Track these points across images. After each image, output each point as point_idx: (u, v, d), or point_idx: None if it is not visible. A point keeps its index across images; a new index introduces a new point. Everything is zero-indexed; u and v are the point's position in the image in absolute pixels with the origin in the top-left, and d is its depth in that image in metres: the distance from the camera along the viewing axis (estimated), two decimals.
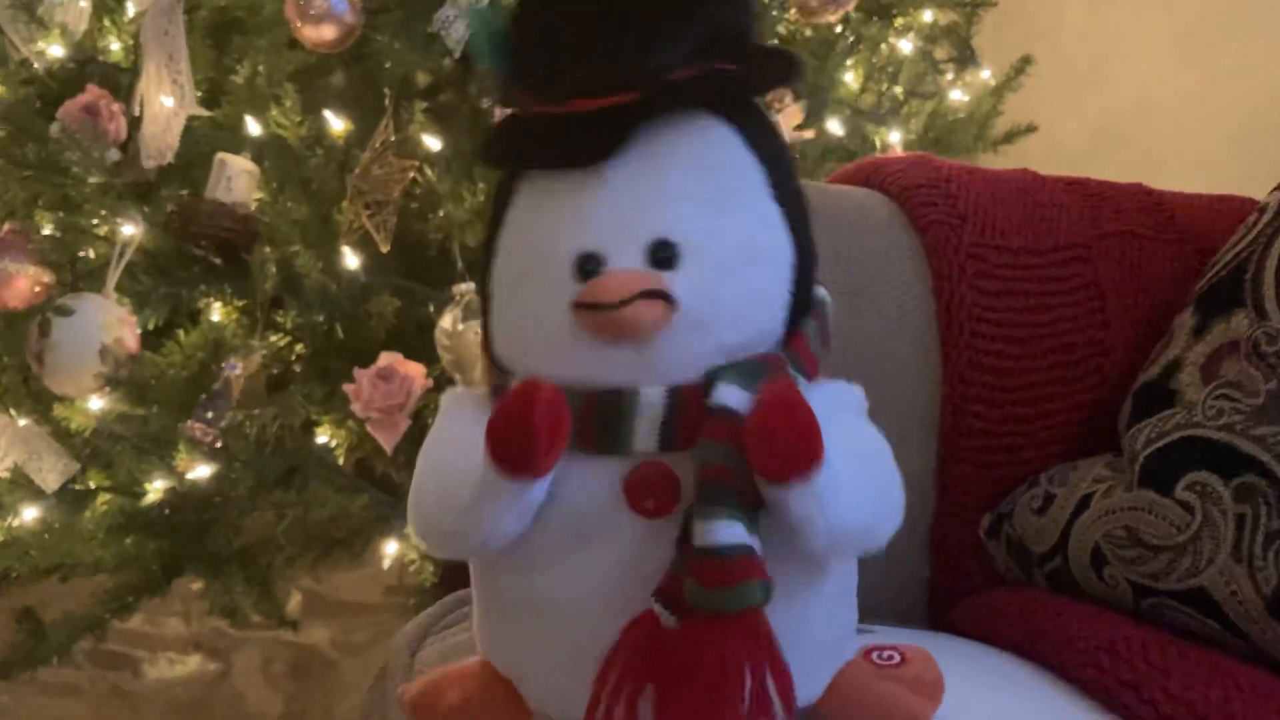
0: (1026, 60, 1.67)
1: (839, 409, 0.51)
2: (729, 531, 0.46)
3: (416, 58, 1.29)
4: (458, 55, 1.29)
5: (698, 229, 0.50)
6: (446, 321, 1.23)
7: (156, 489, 1.25)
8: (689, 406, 0.49)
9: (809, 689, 0.54)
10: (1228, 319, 0.71)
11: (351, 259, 1.27)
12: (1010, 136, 1.71)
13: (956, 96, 1.63)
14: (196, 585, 1.43)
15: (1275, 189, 0.76)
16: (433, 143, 1.27)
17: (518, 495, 0.48)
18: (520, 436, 0.46)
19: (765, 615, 0.47)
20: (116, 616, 1.33)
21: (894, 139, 1.50)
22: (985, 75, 1.66)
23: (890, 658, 0.56)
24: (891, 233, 0.81)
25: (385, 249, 1.26)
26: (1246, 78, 1.64)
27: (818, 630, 0.52)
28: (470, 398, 0.55)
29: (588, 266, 0.49)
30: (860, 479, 0.49)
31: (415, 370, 1.23)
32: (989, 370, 0.77)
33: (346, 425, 1.26)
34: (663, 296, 0.48)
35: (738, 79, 0.51)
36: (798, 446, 0.45)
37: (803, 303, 0.52)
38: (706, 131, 0.51)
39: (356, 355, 1.25)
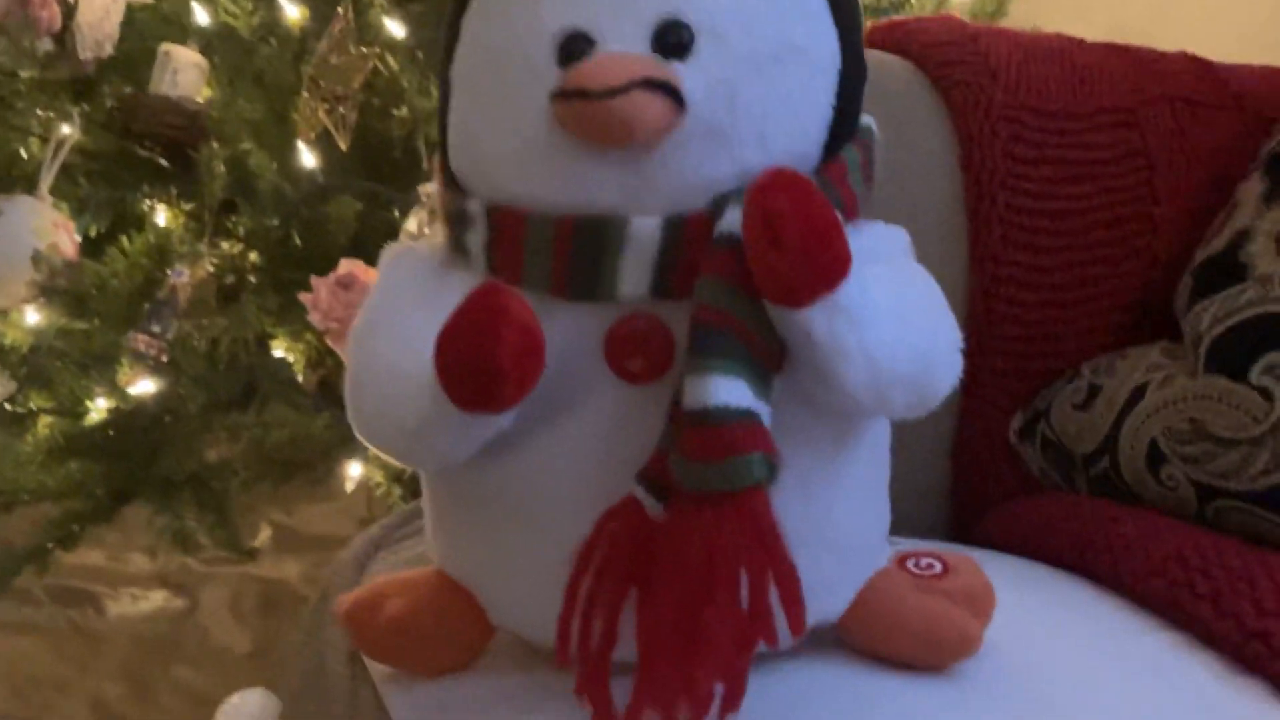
0: None
1: (885, 250, 0.41)
2: (727, 390, 0.36)
3: None
4: None
5: (717, 8, 0.39)
6: (412, 225, 1.14)
7: (100, 409, 1.16)
8: (691, 242, 0.39)
9: (830, 602, 0.44)
10: None
11: (308, 158, 1.18)
12: None
13: None
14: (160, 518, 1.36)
15: None
16: (396, 29, 1.17)
17: (476, 425, 0.39)
18: (481, 371, 0.36)
19: (769, 499, 0.37)
20: (62, 547, 1.24)
21: None
22: None
23: (930, 566, 0.47)
24: (912, 95, 0.72)
25: (345, 147, 1.18)
26: None
27: (843, 529, 0.43)
28: (415, 255, 0.45)
29: (575, 48, 0.39)
30: (905, 306, 0.40)
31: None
32: (1024, 248, 0.68)
33: (305, 339, 1.17)
34: (668, 91, 0.38)
35: None
36: (815, 242, 0.35)
37: (846, 123, 0.42)
38: None
39: (315, 263, 1.16)
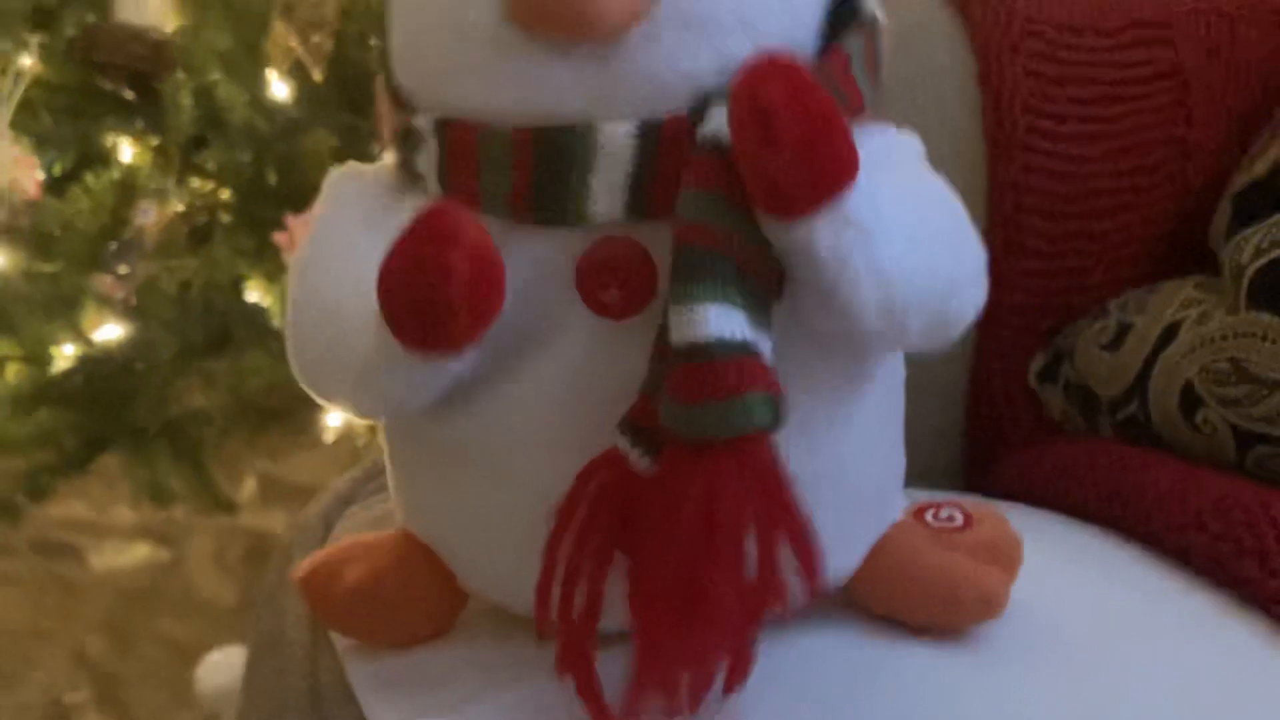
0: None
1: (896, 157, 0.36)
2: (720, 320, 0.31)
3: None
4: None
5: None
6: (391, 159, 1.09)
7: (66, 355, 1.12)
8: (670, 150, 0.34)
9: (841, 559, 0.39)
10: None
11: (281, 89, 1.13)
12: None
13: None
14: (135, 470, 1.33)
15: None
16: None
17: (428, 371, 0.34)
18: (429, 309, 0.32)
19: (774, 445, 0.32)
20: (33, 500, 1.20)
21: None
22: None
23: (950, 518, 0.42)
24: (924, 8, 0.66)
25: (319, 78, 1.12)
26: None
27: (852, 476, 0.38)
28: (360, 177, 0.40)
29: None
30: (922, 218, 0.35)
31: None
32: (1048, 175, 0.63)
33: (281, 281, 1.12)
34: None
35: None
36: (815, 141, 0.30)
37: (846, 6, 0.36)
38: None
39: (290, 201, 1.12)
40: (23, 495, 1.19)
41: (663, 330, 0.33)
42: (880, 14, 0.38)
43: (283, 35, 1.13)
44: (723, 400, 0.30)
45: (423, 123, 0.36)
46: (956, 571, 0.40)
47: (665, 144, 0.34)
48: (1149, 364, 0.59)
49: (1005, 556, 0.41)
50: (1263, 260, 0.56)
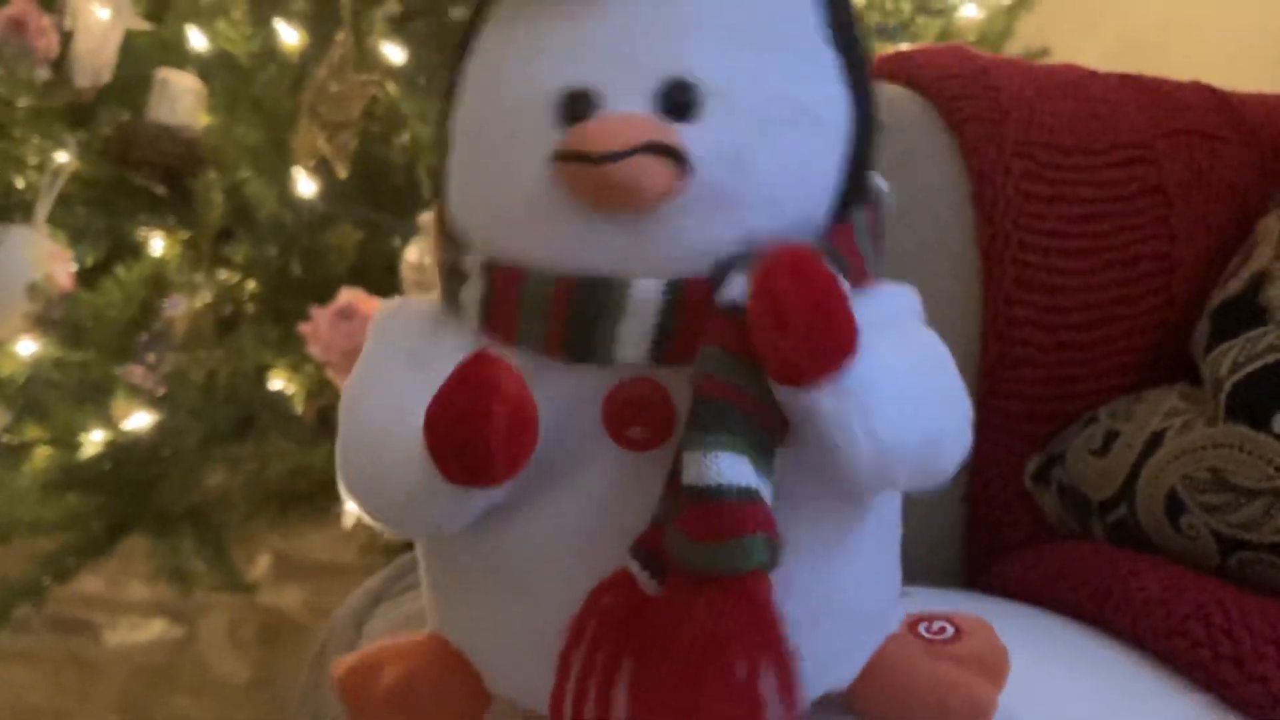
0: None
1: (893, 317, 0.40)
2: (730, 467, 0.35)
3: None
4: None
5: (726, 69, 0.38)
6: (413, 254, 1.13)
7: (95, 441, 1.15)
8: (693, 307, 0.37)
9: (840, 671, 0.43)
10: None
11: (308, 186, 1.17)
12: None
13: (968, 14, 1.52)
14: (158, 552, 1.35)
15: None
16: (395, 55, 1.16)
17: (471, 498, 0.38)
18: (472, 447, 0.35)
19: (769, 583, 0.35)
20: (58, 581, 1.23)
21: None
22: None
23: (942, 630, 0.45)
24: (922, 130, 0.70)
25: (344, 175, 1.17)
26: None
27: (852, 598, 0.41)
28: (406, 315, 0.44)
29: (577, 108, 0.38)
30: (914, 383, 0.38)
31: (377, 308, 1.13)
32: (1039, 289, 0.66)
33: (304, 370, 1.16)
34: (673, 155, 0.37)
35: None
36: (820, 324, 0.34)
37: (856, 185, 0.40)
38: None
39: (314, 292, 1.15)
40: (47, 577, 1.21)
41: (676, 466, 0.36)
42: (884, 185, 0.42)
43: (309, 134, 1.17)
44: (726, 541, 0.34)
45: (471, 262, 0.40)
46: (947, 682, 0.43)
47: (688, 301, 0.37)
48: (1136, 470, 0.62)
49: (993, 667, 0.44)
50: (1239, 375, 0.59)
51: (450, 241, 0.41)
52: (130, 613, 1.69)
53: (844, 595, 0.40)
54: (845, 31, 0.40)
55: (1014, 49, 1.61)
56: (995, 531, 0.69)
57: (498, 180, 0.39)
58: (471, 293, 0.40)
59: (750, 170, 0.38)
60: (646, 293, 0.37)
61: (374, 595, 0.59)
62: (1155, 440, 0.62)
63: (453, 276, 0.41)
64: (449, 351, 0.38)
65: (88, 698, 1.53)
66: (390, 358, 0.42)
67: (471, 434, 0.35)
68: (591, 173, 0.36)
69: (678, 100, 0.37)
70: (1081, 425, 0.67)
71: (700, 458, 0.35)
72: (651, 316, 0.37)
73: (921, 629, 0.45)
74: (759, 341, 0.35)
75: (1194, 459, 0.59)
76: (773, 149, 0.38)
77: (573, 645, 0.37)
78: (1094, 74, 0.75)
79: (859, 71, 0.40)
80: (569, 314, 0.38)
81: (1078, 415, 0.67)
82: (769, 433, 0.36)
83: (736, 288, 0.36)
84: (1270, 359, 0.58)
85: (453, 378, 0.35)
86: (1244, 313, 0.62)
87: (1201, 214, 0.69)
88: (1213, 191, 0.69)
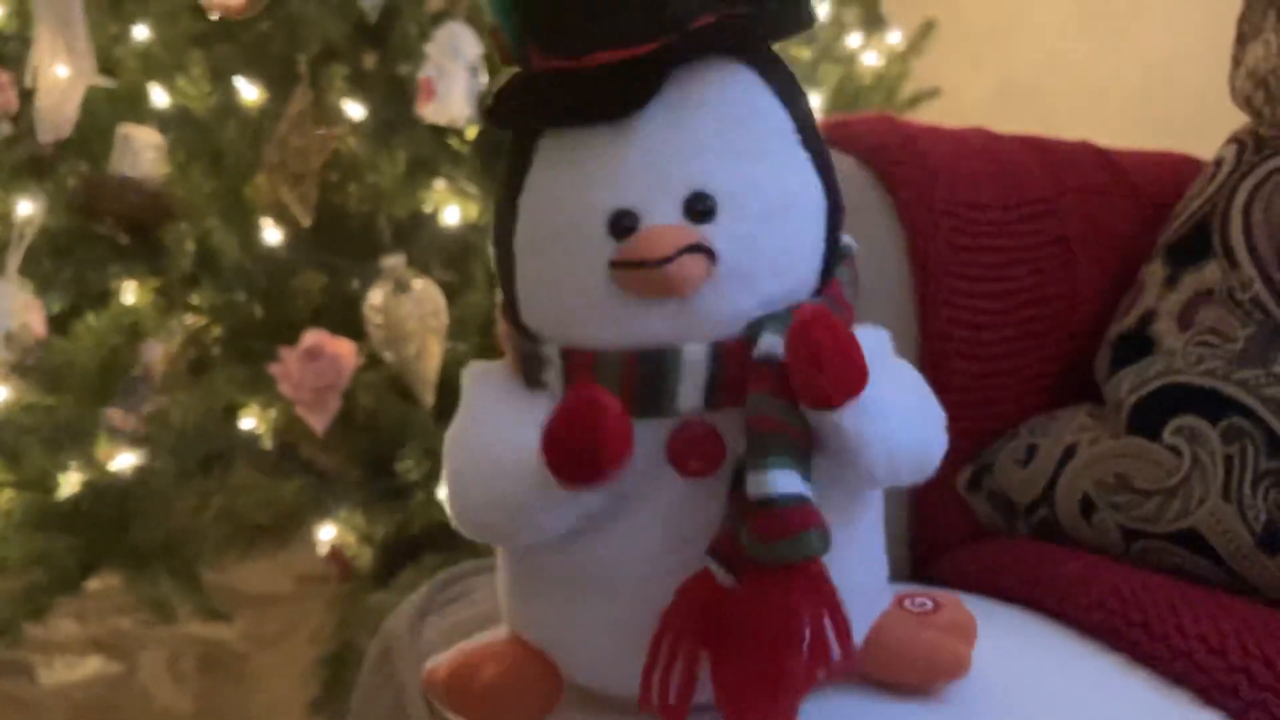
0: (931, 24, 1.70)
1: (878, 351, 0.51)
2: (786, 480, 0.45)
3: (331, 23, 1.25)
4: (374, 20, 1.25)
5: (733, 179, 0.49)
6: (377, 297, 1.20)
7: (72, 482, 1.19)
8: (732, 362, 0.48)
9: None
10: (1199, 269, 0.73)
11: (273, 234, 1.23)
12: (916, 99, 1.73)
13: (868, 60, 1.65)
14: (93, 584, 1.36)
15: (1228, 141, 0.79)
16: (354, 110, 1.23)
17: (577, 500, 0.47)
18: (585, 453, 0.45)
19: (824, 565, 0.46)
20: (31, 619, 1.26)
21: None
22: (894, 39, 1.68)
23: (924, 605, 0.56)
24: (861, 192, 0.80)
25: (307, 223, 1.22)
26: (1141, 36, 1.69)
27: (859, 579, 0.52)
28: (495, 373, 0.53)
29: (623, 223, 0.48)
30: (906, 398, 0.50)
31: (345, 348, 1.20)
32: (966, 326, 0.77)
33: (273, 408, 1.21)
34: (704, 251, 0.47)
35: (761, 23, 0.50)
36: (844, 362, 0.45)
37: (835, 249, 0.52)
38: (733, 78, 0.50)
39: (278, 334, 1.21)
40: (23, 615, 1.24)
41: (734, 483, 0.47)
42: (855, 243, 0.53)
43: (272, 184, 1.22)
44: (791, 537, 0.45)
45: (549, 350, 0.50)
46: (936, 646, 0.54)
47: (729, 358, 0.48)
48: (1055, 477, 0.74)
49: (967, 631, 0.55)
50: (1136, 396, 0.71)
51: (525, 335, 0.51)
52: (64, 651, 1.67)
53: (853, 578, 0.50)
54: (810, 132, 0.51)
55: (909, 89, 1.74)
56: (935, 532, 0.79)
57: (566, 285, 0.49)
58: (552, 374, 0.50)
59: (761, 252, 0.49)
60: (695, 356, 0.48)
61: (420, 610, 0.67)
62: (1070, 452, 0.74)
63: (532, 362, 0.51)
64: (541, 402, 0.49)
65: None
66: (490, 404, 0.52)
67: (585, 442, 0.44)
68: (649, 274, 0.47)
69: (700, 207, 0.48)
70: (1006, 439, 0.78)
71: (762, 476, 0.45)
72: (701, 373, 0.48)
73: (907, 604, 0.56)
74: (797, 378, 0.45)
75: (1102, 467, 0.71)
76: (774, 233, 0.49)
77: (664, 631, 0.47)
78: (1001, 137, 0.87)
79: (823, 160, 0.51)
80: (636, 380, 0.48)
81: (1002, 431, 0.79)
82: (807, 450, 0.47)
83: (768, 346, 0.47)
84: (1160, 383, 0.71)
85: (567, 401, 0.45)
86: (1137, 344, 0.74)
87: (1097, 259, 0.81)
88: (1105, 240, 0.81)
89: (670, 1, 0.48)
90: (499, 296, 0.53)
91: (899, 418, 0.48)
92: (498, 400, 0.51)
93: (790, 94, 0.51)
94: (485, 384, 0.53)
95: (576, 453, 0.45)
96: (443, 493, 0.52)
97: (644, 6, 0.48)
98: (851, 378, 0.45)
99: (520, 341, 0.51)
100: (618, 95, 0.48)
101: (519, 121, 0.52)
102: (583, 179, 0.49)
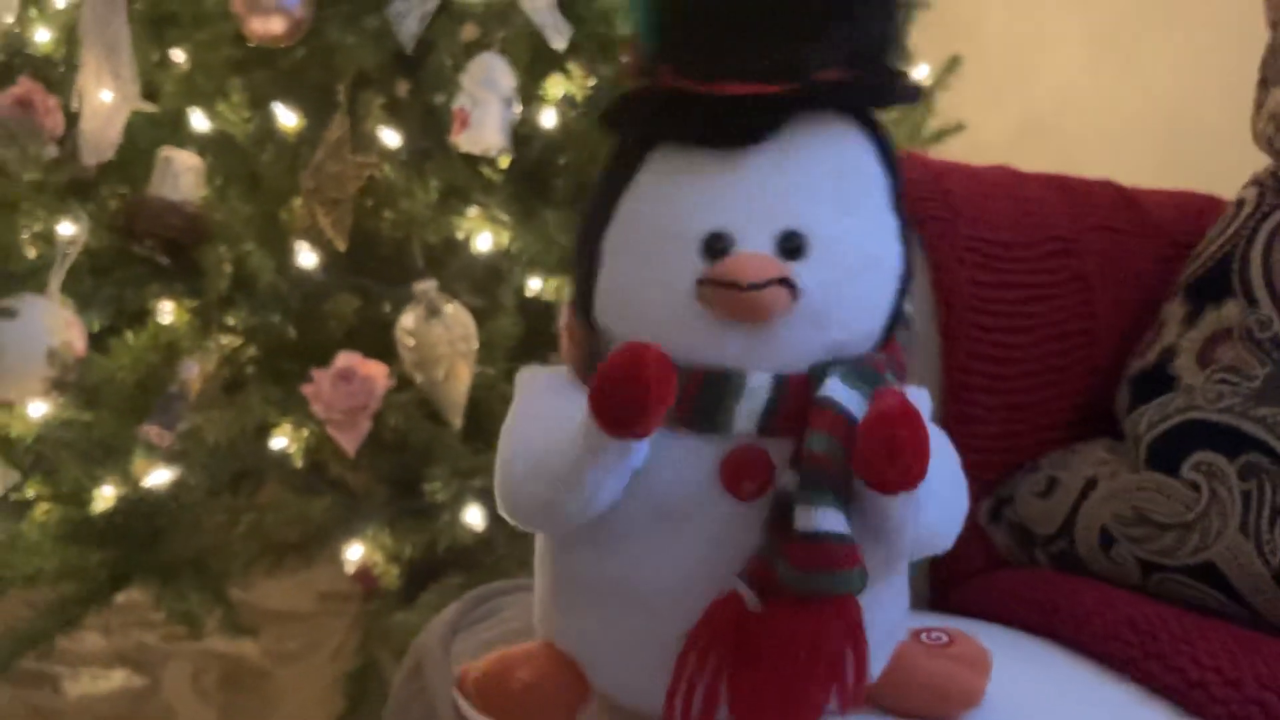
0: (956, 60, 1.72)
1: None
2: (833, 519, 0.47)
3: (367, 52, 1.27)
4: (410, 50, 1.28)
5: (827, 225, 0.51)
6: (409, 320, 1.22)
7: (106, 496, 1.21)
8: (792, 395, 0.50)
9: (873, 670, 0.55)
10: (1218, 308, 0.74)
11: (308, 257, 1.25)
12: (940, 135, 1.75)
13: None
14: (120, 599, 1.38)
15: (1249, 183, 0.80)
16: (390, 138, 1.26)
17: (621, 455, 0.49)
18: (631, 392, 0.46)
19: (859, 604, 0.48)
20: (64, 630, 1.28)
21: None
22: (922, 74, 1.69)
23: (939, 638, 0.58)
24: None
25: (342, 248, 1.24)
26: (1161, 75, 1.71)
27: (889, 614, 0.54)
28: (546, 374, 0.56)
29: (716, 245, 0.50)
30: (946, 488, 0.52)
31: (377, 370, 1.22)
32: (988, 360, 0.79)
33: (305, 428, 1.23)
34: (790, 286, 0.50)
35: (882, 88, 0.53)
36: (917, 461, 0.47)
37: (899, 311, 0.54)
38: (844, 135, 0.53)
39: (311, 356, 1.23)
40: (56, 626, 1.27)
41: (775, 512, 0.49)
42: (911, 307, 0.56)
43: (306, 210, 1.25)
44: (832, 572, 0.47)
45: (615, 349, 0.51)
46: (949, 677, 0.56)
47: (790, 390, 0.50)
48: (1075, 509, 0.75)
49: (980, 664, 0.57)
50: (1155, 432, 0.73)
51: (593, 332, 0.53)
52: (90, 663, 1.69)
53: (883, 613, 0.53)
54: (900, 201, 0.54)
55: (934, 124, 1.76)
56: (955, 562, 0.80)
57: (650, 291, 0.51)
58: None
59: (839, 301, 0.51)
60: (759, 382, 0.50)
61: (451, 626, 0.69)
62: (1090, 485, 0.75)
63: (596, 358, 0.52)
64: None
65: None
66: (541, 395, 0.54)
67: (631, 382, 0.46)
68: (740, 296, 0.49)
69: (792, 245, 0.51)
70: (1026, 472, 0.80)
71: (812, 510, 0.47)
72: (761, 400, 0.50)
73: (923, 637, 0.58)
74: (865, 456, 0.47)
75: (1122, 500, 0.73)
76: (854, 286, 0.52)
77: (689, 649, 0.49)
78: (1024, 176, 0.88)
79: (906, 230, 0.54)
80: (697, 392, 0.50)
81: (1021, 464, 0.80)
82: (849, 496, 0.49)
83: (837, 391, 0.49)
84: (1178, 419, 0.72)
85: (615, 352, 0.46)
86: (1157, 381, 0.76)
87: (1116, 297, 0.82)
88: (1124, 278, 0.83)
89: (803, 50, 0.50)
90: (567, 292, 0.55)
91: (938, 506, 0.51)
92: (550, 393, 0.54)
93: (890, 161, 0.54)
94: (539, 379, 0.56)
95: (622, 392, 0.46)
96: (496, 490, 0.53)
97: (781, 49, 0.50)
98: (914, 476, 0.47)
99: (586, 335, 0.53)
100: (739, 126, 0.51)
101: (638, 130, 0.54)
102: (687, 195, 0.51)
